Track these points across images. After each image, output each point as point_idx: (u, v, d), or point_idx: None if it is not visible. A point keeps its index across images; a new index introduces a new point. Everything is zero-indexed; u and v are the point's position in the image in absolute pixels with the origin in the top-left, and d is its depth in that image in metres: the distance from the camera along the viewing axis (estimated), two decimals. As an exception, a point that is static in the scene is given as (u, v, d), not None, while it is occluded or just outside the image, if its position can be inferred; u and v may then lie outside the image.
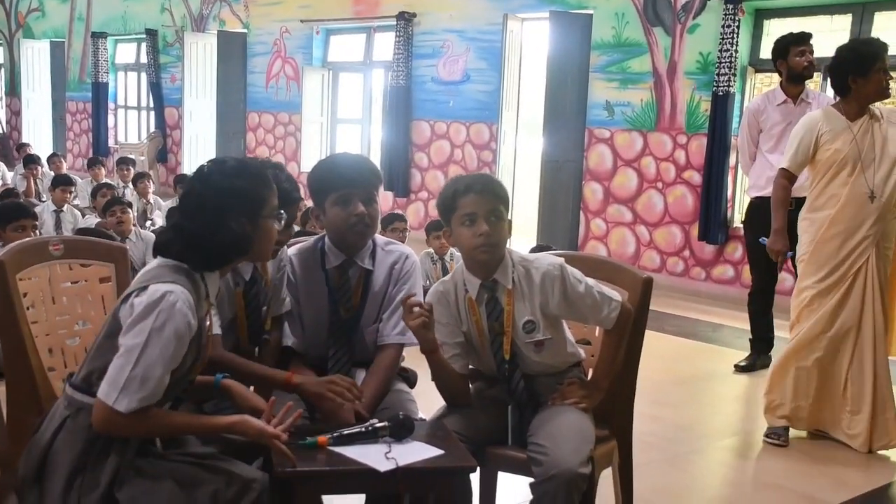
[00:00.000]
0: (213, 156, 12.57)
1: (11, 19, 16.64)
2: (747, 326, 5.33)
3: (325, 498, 2.49)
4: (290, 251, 2.61)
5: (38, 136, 15.48)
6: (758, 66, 7.53)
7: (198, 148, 12.91)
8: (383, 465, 2.04)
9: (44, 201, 7.69)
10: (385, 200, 9.91)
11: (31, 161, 9.31)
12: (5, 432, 2.14)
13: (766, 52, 7.28)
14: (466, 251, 2.47)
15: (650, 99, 7.97)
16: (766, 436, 4.01)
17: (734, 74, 7.25)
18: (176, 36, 13.22)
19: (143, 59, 13.96)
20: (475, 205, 2.43)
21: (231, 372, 2.36)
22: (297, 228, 6.10)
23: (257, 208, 2.02)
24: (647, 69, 7.98)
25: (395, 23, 9.95)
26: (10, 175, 10.17)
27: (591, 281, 2.52)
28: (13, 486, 1.98)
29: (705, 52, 7.57)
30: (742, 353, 5.37)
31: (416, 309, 2.34)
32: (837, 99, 3.93)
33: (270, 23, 11.81)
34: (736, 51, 7.20)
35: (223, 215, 1.97)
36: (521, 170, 9.95)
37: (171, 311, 1.85)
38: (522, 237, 8.60)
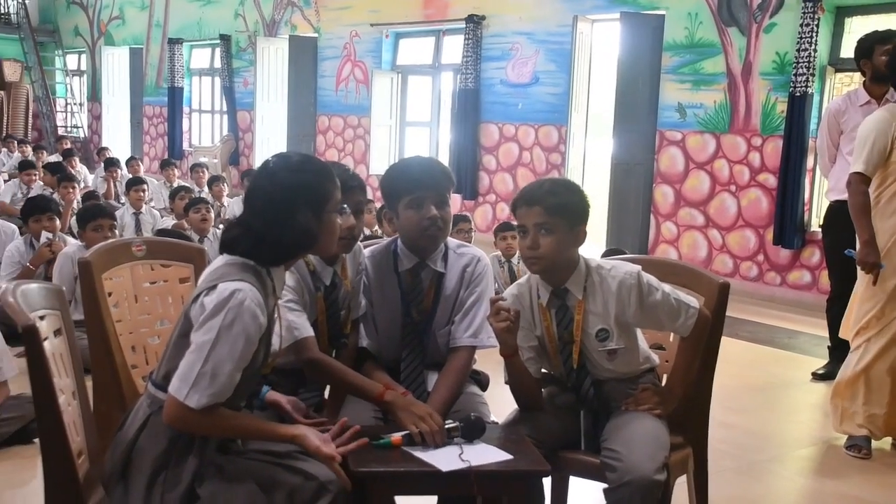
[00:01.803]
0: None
1: (94, 27, 17.19)
2: (825, 333, 5.20)
3: (398, 499, 2.52)
4: (365, 252, 2.63)
5: (116, 139, 15.97)
6: (838, 65, 7.33)
7: (269, 150, 13.11)
8: (456, 467, 2.04)
9: (123, 203, 7.92)
10: (453, 203, 9.92)
11: (111, 164, 9.61)
12: (94, 425, 2.20)
13: (846, 51, 7.09)
14: (522, 262, 2.48)
15: (724, 100, 7.83)
16: (847, 448, 3.90)
17: (812, 74, 7.07)
18: (248, 41, 13.48)
19: (217, 63, 14.27)
20: (524, 217, 2.42)
21: (326, 376, 2.40)
22: (367, 231, 6.17)
23: (322, 202, 2.02)
24: (721, 70, 7.84)
25: (464, 25, 9.98)
26: (90, 178, 10.50)
27: (667, 287, 2.48)
28: (100, 478, 2.04)
29: (782, 51, 7.40)
30: (819, 361, 5.24)
31: (503, 312, 2.33)
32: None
33: (340, 27, 11.95)
34: (815, 50, 7.02)
35: (290, 211, 1.98)
36: (591, 172, 9.88)
37: (240, 309, 1.87)
38: (592, 241, 8.51)
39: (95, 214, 4.84)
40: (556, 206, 2.40)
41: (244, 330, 1.88)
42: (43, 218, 5.22)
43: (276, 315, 2.06)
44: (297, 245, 2.02)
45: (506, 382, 2.54)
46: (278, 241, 1.99)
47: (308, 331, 2.37)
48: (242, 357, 1.90)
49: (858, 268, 3.82)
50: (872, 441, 3.90)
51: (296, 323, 2.35)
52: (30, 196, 8.47)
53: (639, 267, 2.49)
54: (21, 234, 5.58)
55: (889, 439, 3.98)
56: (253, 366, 1.98)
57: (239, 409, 2.05)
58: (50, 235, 5.16)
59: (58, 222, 5.35)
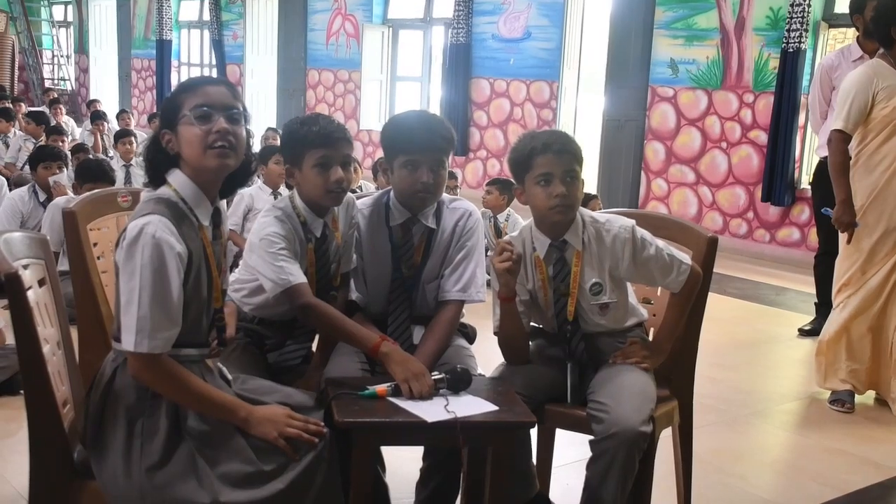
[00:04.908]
0: (273, 113, 12.68)
1: (79, -23, 16.90)
2: (812, 290, 5.24)
3: (383, 449, 2.54)
4: (358, 204, 2.61)
5: (104, 93, 15.80)
6: (832, 21, 7.27)
7: (259, 105, 13.02)
8: (442, 418, 2.05)
9: (111, 157, 7.86)
10: (444, 159, 9.86)
11: (98, 117, 9.49)
12: (79, 375, 2.20)
13: (840, 6, 7.04)
14: (540, 211, 2.44)
15: (716, 56, 7.77)
16: (831, 402, 3.95)
17: (806, 30, 7.02)
18: (238, -7, 13.28)
19: (206, 16, 14.08)
20: (552, 164, 2.39)
21: (321, 322, 2.38)
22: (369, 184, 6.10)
23: (174, 116, 1.96)
24: (714, 25, 7.77)
25: (456, -22, 9.84)
26: (78, 131, 10.39)
27: (660, 243, 2.48)
28: (80, 440, 2.02)
29: (776, 7, 7.34)
30: (806, 317, 5.28)
31: (506, 253, 2.34)
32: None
33: (331, -21, 11.79)
34: (808, 5, 6.95)
35: (159, 133, 1.99)
36: (582, 128, 9.83)
37: (153, 241, 1.84)
38: (582, 197, 8.50)
39: (96, 177, 4.76)
40: (578, 155, 2.44)
41: (165, 260, 1.84)
42: (53, 165, 5.30)
43: (204, 241, 1.99)
44: (159, 164, 1.99)
45: (494, 333, 2.54)
46: (147, 161, 2.02)
47: (301, 277, 2.35)
48: (173, 286, 1.86)
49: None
50: (856, 396, 3.95)
51: (288, 269, 2.33)
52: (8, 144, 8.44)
53: (633, 221, 2.49)
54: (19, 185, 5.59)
55: (872, 393, 4.03)
56: (198, 295, 1.95)
57: (206, 345, 2.02)
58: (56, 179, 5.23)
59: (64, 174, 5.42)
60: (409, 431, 2.12)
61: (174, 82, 14.89)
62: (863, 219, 3.75)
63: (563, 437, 2.73)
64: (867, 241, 3.77)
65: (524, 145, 2.44)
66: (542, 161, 2.40)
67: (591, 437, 2.30)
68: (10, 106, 10.23)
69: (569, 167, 2.39)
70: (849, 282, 3.86)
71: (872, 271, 3.79)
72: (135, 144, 7.46)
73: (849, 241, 3.82)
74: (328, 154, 2.39)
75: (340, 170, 2.40)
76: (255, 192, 5.61)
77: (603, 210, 2.92)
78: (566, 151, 2.40)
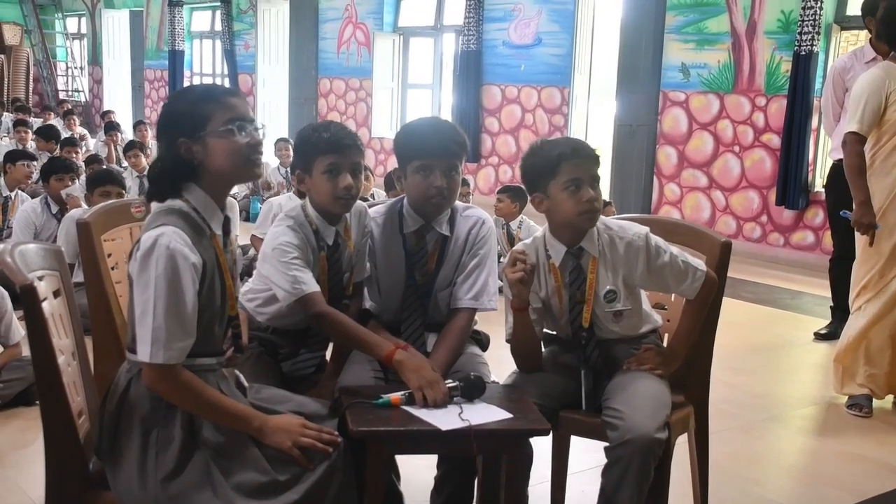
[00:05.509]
0: (285, 122, 12.72)
1: (92, -11, 17.04)
2: (828, 294, 5.20)
3: (397, 458, 2.54)
4: (371, 212, 2.61)
5: (118, 103, 15.90)
6: (844, 23, 7.24)
7: (271, 114, 13.07)
8: (456, 426, 2.04)
9: (124, 167, 7.91)
10: (456, 166, 9.86)
11: (112, 128, 9.58)
12: (94, 385, 2.20)
13: (852, 8, 7.01)
14: (568, 218, 2.40)
15: (728, 60, 7.75)
16: (849, 407, 3.91)
17: (818, 33, 6.99)
18: (249, 3, 13.34)
19: (218, 26, 14.15)
20: (580, 170, 2.37)
21: (335, 330, 2.38)
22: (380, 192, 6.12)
23: (197, 126, 1.94)
24: (725, 29, 7.75)
25: (466, -14, 9.86)
26: (92, 142, 10.47)
27: (675, 249, 2.47)
28: (95, 451, 2.02)
29: (787, 10, 7.31)
30: (822, 321, 5.25)
31: (519, 263, 2.33)
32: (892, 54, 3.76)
33: (342, -12, 11.83)
34: (820, 8, 6.93)
35: (168, 141, 1.96)
36: (594, 134, 9.80)
37: (166, 252, 1.84)
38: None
39: (105, 180, 4.84)
40: (599, 160, 2.44)
41: (179, 271, 1.84)
42: (65, 177, 5.35)
43: (217, 250, 1.99)
44: (176, 175, 1.96)
45: (507, 341, 2.53)
46: (163, 172, 1.97)
47: (314, 286, 2.35)
48: (188, 295, 1.86)
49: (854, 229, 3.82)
50: (874, 400, 3.92)
51: (301, 279, 2.33)
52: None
53: (647, 229, 2.47)
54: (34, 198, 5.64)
55: (891, 398, 4.00)
56: (212, 304, 1.95)
57: (221, 353, 2.02)
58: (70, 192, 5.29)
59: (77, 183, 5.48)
60: (424, 440, 2.11)
61: (187, 92, 14.95)
62: (882, 220, 3.72)
63: (577, 443, 2.72)
64: (887, 244, 3.74)
65: (548, 151, 2.41)
66: (570, 167, 2.38)
67: (606, 444, 2.29)
68: (42, 118, 10.40)
69: (594, 172, 2.41)
70: (867, 285, 3.82)
71: (892, 274, 3.75)
72: (142, 157, 7.47)
73: (871, 244, 3.77)
74: (337, 161, 2.39)
75: (350, 177, 2.40)
76: (284, 202, 5.61)
77: (616, 216, 2.90)
78: (592, 157, 2.42)
